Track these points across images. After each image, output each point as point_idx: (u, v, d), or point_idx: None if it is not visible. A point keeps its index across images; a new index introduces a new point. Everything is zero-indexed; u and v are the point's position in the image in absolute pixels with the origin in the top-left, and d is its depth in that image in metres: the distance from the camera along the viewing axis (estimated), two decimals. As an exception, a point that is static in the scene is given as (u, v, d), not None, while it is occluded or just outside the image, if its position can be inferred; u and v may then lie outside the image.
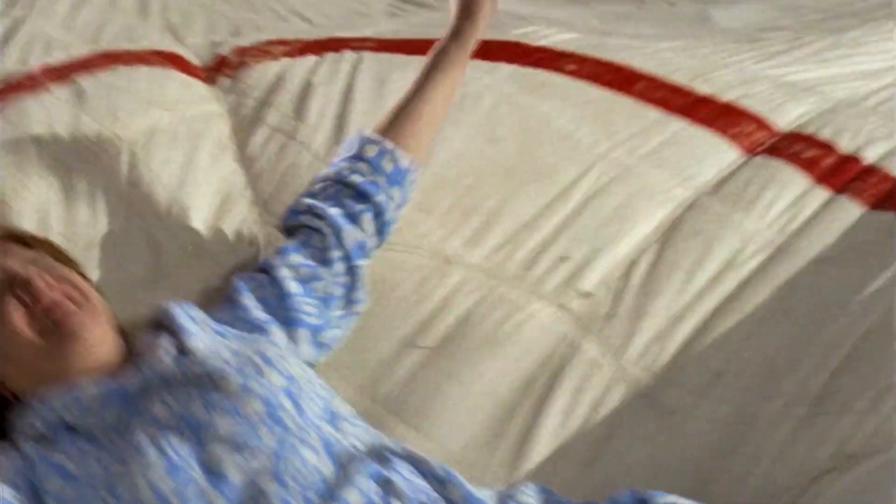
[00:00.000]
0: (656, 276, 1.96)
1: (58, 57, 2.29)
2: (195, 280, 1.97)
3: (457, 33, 1.97)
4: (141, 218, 2.05)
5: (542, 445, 1.84)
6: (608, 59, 2.26)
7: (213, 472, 1.55)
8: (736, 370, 1.85)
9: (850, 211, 1.98)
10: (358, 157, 1.89)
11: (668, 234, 2.01)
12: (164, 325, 1.74)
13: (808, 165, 2.06)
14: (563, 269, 1.98)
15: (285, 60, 2.33)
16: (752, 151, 2.12)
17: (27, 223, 1.99)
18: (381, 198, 1.87)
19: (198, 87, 2.31)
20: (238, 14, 2.58)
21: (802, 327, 1.84)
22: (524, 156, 2.11)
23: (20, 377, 1.67)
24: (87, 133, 2.13)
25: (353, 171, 1.88)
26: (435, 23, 2.40)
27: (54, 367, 1.65)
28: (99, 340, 1.68)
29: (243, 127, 2.22)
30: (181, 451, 1.55)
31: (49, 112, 2.14)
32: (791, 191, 2.03)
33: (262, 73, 2.31)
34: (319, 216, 1.85)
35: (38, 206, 2.04)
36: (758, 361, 1.84)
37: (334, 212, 1.85)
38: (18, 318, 1.65)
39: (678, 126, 2.15)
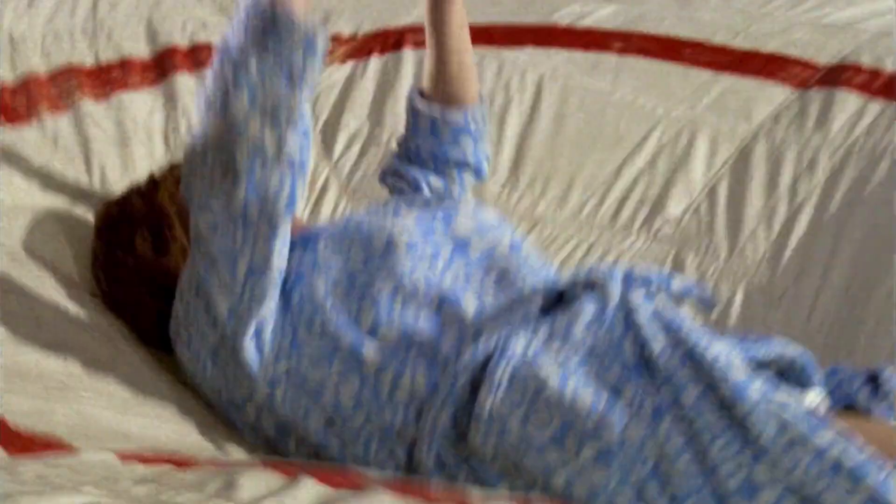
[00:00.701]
0: (739, 193, 2.16)
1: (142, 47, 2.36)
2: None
3: None
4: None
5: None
6: (652, 33, 2.40)
7: (456, 240, 1.72)
8: (831, 252, 2.04)
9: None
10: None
11: (741, 162, 2.19)
12: None
13: (860, 87, 2.23)
14: (646, 207, 2.18)
15: (351, 64, 2.47)
16: (803, 87, 2.27)
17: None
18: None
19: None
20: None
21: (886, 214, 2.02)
22: (591, 128, 2.27)
23: None
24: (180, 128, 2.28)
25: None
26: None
27: None
28: None
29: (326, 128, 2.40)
30: (430, 223, 1.73)
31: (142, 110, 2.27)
32: (848, 108, 2.20)
33: (329, 79, 2.45)
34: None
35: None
36: (858, 241, 2.03)
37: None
38: None
39: (729, 81, 2.30)
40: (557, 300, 1.64)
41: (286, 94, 1.57)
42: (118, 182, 2.14)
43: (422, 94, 1.94)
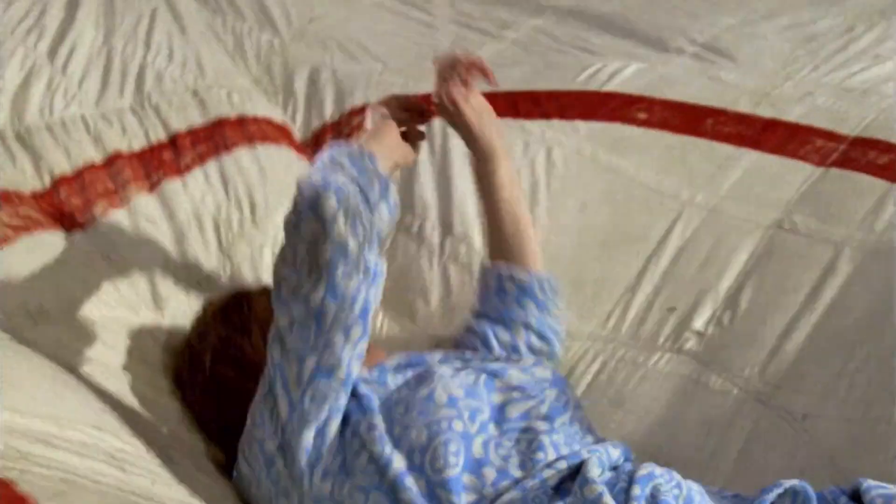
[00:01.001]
0: (761, 300, 2.13)
1: (191, 119, 2.43)
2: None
3: (483, 157, 2.07)
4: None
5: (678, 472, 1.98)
6: (675, 100, 2.40)
7: (494, 406, 1.81)
8: (856, 368, 1.99)
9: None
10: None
11: (765, 259, 2.17)
12: None
13: (882, 171, 2.20)
14: (672, 318, 2.17)
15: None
16: (824, 164, 2.26)
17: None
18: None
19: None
20: (312, 53, 2.68)
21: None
22: (615, 219, 2.29)
23: None
24: (232, 222, 2.34)
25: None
26: (501, 59, 2.60)
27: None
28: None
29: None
30: (475, 380, 1.83)
31: (194, 197, 2.33)
32: (870, 196, 2.17)
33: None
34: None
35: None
36: (878, 357, 1.98)
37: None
38: None
39: (751, 159, 2.30)
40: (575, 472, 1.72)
41: (365, 212, 1.70)
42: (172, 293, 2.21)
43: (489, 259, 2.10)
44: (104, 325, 2.06)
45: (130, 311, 2.14)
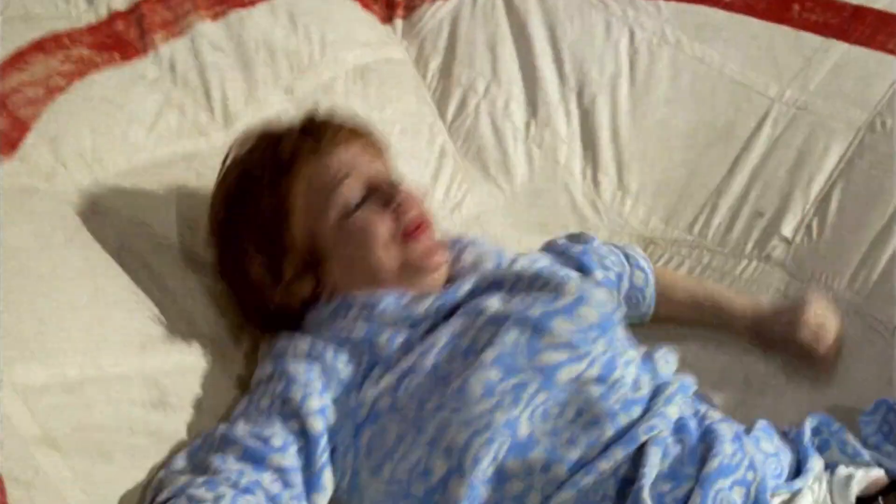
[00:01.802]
0: (851, 206, 2.09)
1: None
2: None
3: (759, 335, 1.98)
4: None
5: (770, 379, 1.98)
6: (759, -19, 2.35)
7: (542, 370, 1.61)
8: None
9: None
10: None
11: (855, 162, 2.13)
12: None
13: None
14: (760, 224, 2.16)
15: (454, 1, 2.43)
16: (917, 55, 2.21)
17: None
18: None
19: (378, 28, 2.40)
20: None
21: None
22: (701, 115, 2.26)
23: (350, 280, 1.74)
24: (301, 55, 2.23)
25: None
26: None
27: (397, 280, 1.73)
28: (442, 265, 1.78)
29: (434, 86, 2.40)
30: (514, 343, 1.62)
31: (265, 28, 2.21)
32: None
33: (434, 18, 2.43)
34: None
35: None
36: None
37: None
38: (384, 228, 1.73)
39: (840, 51, 2.26)
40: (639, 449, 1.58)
41: None
42: (242, 111, 2.11)
43: None
44: (168, 164, 1.97)
45: (200, 136, 2.05)
